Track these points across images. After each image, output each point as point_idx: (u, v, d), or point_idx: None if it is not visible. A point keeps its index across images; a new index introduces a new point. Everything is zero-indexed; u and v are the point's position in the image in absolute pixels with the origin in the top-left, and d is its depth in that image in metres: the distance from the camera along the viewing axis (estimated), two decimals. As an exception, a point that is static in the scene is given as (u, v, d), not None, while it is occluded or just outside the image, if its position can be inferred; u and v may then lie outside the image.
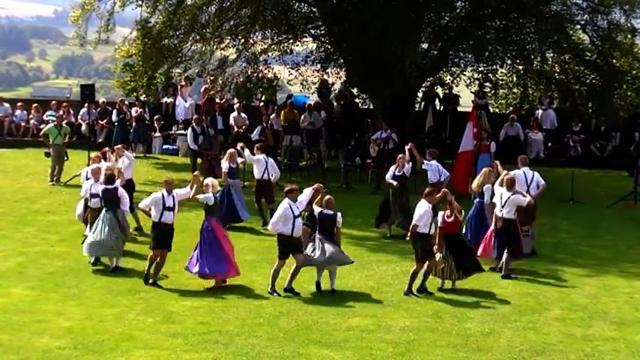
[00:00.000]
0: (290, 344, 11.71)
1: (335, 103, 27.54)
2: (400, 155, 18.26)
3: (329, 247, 14.06)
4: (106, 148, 19.04)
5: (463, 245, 14.85)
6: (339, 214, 14.42)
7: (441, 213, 14.39)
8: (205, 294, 13.97)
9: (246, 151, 18.72)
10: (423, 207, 14.18)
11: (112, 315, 12.72)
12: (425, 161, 18.41)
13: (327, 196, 14.53)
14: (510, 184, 15.42)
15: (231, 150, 18.91)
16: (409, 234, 14.30)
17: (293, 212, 14.10)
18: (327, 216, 14.31)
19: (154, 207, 14.47)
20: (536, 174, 16.90)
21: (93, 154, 18.61)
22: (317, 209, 14.44)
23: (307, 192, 14.44)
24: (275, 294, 13.97)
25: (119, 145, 19.24)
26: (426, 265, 14.16)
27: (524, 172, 16.80)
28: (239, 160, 18.70)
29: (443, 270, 14.40)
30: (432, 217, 14.15)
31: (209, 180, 14.85)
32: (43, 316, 12.58)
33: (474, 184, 16.93)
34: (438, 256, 14.28)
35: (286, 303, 13.57)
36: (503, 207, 15.30)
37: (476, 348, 11.80)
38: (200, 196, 14.50)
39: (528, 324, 12.84)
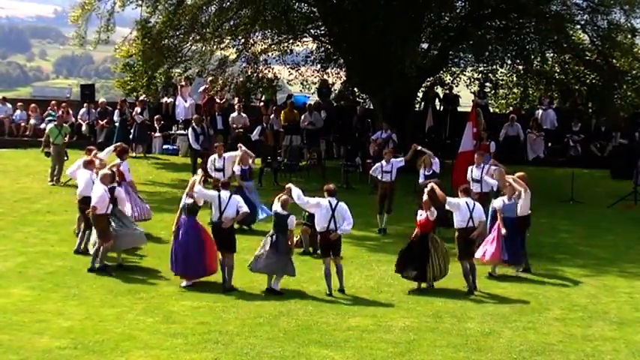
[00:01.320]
0: (290, 344, 11.71)
1: (342, 103, 27.54)
2: (386, 150, 18.55)
3: (270, 255, 14.06)
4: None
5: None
6: (292, 216, 14.31)
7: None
8: (205, 294, 13.95)
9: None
10: (460, 202, 14.31)
11: (112, 315, 12.72)
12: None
13: (284, 196, 14.38)
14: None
15: (241, 152, 18.86)
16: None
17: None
18: (280, 215, 14.28)
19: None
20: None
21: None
22: (276, 207, 14.33)
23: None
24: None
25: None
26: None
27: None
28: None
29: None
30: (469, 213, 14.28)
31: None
32: (43, 316, 12.58)
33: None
34: None
35: (286, 303, 13.57)
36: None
37: (476, 348, 11.80)
38: (209, 192, 14.53)
39: (528, 324, 12.84)
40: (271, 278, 14.18)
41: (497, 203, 15.76)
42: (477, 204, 14.70)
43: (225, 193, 14.39)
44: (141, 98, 26.82)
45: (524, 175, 15.97)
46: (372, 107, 27.22)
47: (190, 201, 14.37)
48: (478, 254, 15.31)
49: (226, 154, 18.70)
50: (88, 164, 16.29)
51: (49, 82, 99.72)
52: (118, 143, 18.90)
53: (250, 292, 14.16)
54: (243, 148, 18.94)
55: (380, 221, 18.65)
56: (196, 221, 14.53)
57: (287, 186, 14.63)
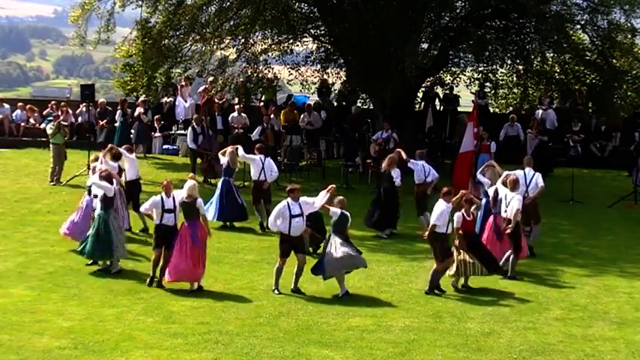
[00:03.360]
0: (290, 344, 11.71)
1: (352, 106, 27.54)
2: (390, 155, 18.59)
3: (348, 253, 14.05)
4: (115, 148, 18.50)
5: (481, 243, 15.03)
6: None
7: (458, 213, 14.44)
8: (205, 294, 13.95)
9: (240, 151, 18.77)
10: (440, 207, 14.25)
11: (112, 315, 12.72)
12: (412, 160, 18.54)
13: (341, 197, 14.43)
14: (514, 185, 15.47)
15: (230, 149, 18.91)
16: (426, 233, 14.36)
17: (290, 211, 14.09)
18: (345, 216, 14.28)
19: (154, 210, 14.45)
20: (537, 174, 16.94)
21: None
22: (337, 210, 14.23)
23: (322, 194, 14.33)
24: (276, 291, 13.97)
25: (125, 145, 19.16)
26: (441, 264, 14.25)
27: (524, 173, 16.84)
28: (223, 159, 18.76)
29: (468, 267, 14.42)
30: (449, 217, 14.21)
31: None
32: (43, 316, 12.58)
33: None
34: (462, 254, 14.32)
35: (286, 303, 13.58)
36: (507, 207, 15.37)
37: (476, 348, 11.80)
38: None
39: (528, 324, 12.84)
40: (342, 281, 14.07)
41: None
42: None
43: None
44: (141, 99, 26.81)
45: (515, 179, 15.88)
46: (371, 107, 27.23)
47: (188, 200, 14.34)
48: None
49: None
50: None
51: (49, 82, 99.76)
52: (111, 145, 18.76)
53: (250, 292, 14.16)
54: (229, 150, 18.89)
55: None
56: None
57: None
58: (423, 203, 18.31)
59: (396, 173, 18.11)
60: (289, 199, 14.23)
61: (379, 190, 18.55)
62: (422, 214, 18.23)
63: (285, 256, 14.23)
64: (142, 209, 14.97)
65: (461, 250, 14.37)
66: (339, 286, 14.05)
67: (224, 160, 18.63)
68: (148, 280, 14.31)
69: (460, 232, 14.44)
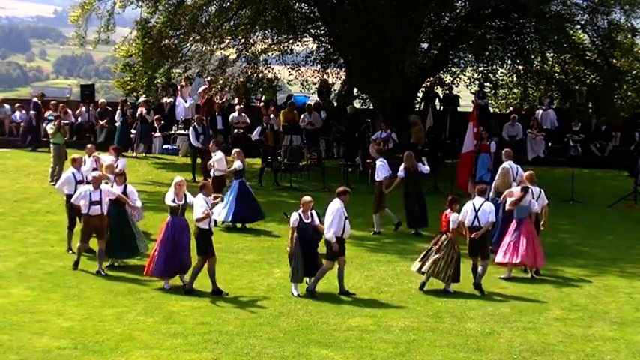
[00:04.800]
0: (290, 344, 11.71)
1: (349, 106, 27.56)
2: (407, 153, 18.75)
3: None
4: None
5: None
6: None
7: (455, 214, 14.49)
8: (205, 294, 13.94)
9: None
10: (335, 205, 13.96)
11: (112, 315, 12.72)
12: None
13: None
14: (531, 180, 15.87)
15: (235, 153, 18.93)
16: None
17: (344, 213, 13.92)
18: None
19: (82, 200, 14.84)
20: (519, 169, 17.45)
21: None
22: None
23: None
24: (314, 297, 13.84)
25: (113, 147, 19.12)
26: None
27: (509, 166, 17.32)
28: None
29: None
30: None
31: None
32: (43, 316, 12.58)
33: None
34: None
35: (286, 303, 13.57)
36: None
37: (476, 348, 11.80)
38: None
39: (528, 324, 12.84)
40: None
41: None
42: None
43: None
44: (141, 99, 26.82)
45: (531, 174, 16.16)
46: (371, 107, 27.24)
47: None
48: (502, 258, 15.41)
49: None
50: None
51: (49, 82, 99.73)
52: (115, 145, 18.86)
53: (250, 292, 14.16)
54: (236, 151, 18.93)
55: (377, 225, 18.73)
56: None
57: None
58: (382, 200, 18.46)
59: (422, 166, 18.40)
60: (341, 203, 14.00)
61: (412, 189, 18.52)
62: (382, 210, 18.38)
63: (335, 259, 13.95)
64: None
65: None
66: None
67: (238, 163, 18.52)
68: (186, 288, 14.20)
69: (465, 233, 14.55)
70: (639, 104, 25.93)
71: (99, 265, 14.94)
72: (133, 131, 26.68)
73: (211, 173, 18.72)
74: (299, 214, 13.89)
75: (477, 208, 14.53)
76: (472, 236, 14.53)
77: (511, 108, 29.02)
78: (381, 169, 18.51)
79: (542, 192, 16.06)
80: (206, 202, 13.97)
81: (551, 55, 26.57)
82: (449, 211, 14.41)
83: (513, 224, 15.57)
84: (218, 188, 17.80)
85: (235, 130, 26.47)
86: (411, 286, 14.63)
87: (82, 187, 15.32)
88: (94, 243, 15.32)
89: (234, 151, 19.06)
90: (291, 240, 14.00)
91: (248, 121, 26.49)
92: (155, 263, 14.17)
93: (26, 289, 13.89)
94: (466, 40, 24.68)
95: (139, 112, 26.61)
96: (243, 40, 25.99)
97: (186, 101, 27.32)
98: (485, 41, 24.90)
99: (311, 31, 27.00)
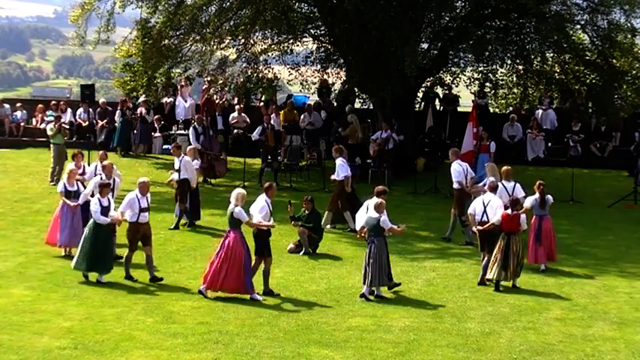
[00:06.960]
0: (290, 344, 11.72)
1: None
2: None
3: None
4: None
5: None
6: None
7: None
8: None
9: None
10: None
11: (112, 315, 12.73)
12: (338, 159, 18.79)
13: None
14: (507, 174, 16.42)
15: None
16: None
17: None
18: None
19: (129, 209, 14.42)
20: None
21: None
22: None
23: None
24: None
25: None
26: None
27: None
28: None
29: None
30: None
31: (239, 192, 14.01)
32: (43, 316, 12.58)
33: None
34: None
35: (286, 303, 13.58)
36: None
37: (476, 348, 11.81)
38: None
39: (528, 324, 12.85)
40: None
41: (528, 203, 15.96)
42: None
43: None
44: (141, 99, 26.81)
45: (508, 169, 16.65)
46: (370, 107, 27.23)
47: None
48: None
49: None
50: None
51: (49, 82, 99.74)
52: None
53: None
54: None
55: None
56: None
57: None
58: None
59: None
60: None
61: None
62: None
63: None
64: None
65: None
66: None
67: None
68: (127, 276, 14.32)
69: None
70: (639, 104, 25.91)
71: (150, 272, 14.49)
72: (135, 131, 26.71)
73: (175, 176, 18.52)
74: None
75: (485, 204, 15.04)
76: (478, 228, 14.96)
77: (511, 108, 29.01)
78: (341, 168, 18.54)
79: (519, 185, 16.68)
80: (267, 203, 13.91)
81: (551, 55, 26.54)
82: (513, 212, 14.65)
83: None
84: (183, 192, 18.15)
85: (235, 130, 26.46)
86: (411, 286, 14.64)
87: (128, 195, 14.58)
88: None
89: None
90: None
91: (248, 120, 26.50)
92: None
93: (26, 289, 13.90)
94: (466, 40, 24.66)
95: (138, 111, 26.60)
96: (243, 40, 25.96)
97: (186, 101, 27.32)
98: (485, 41, 24.88)
99: (311, 31, 26.97)
